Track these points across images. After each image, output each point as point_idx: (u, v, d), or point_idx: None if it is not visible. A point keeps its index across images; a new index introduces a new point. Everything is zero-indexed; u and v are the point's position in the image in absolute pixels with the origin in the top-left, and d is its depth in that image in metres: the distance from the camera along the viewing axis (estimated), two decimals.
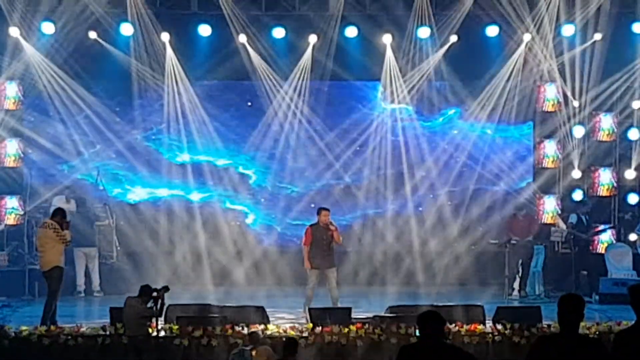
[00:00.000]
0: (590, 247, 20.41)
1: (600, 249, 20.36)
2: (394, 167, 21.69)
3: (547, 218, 21.13)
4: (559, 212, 21.04)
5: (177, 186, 21.61)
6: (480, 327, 14.57)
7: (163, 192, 21.63)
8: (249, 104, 21.67)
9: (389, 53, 20.87)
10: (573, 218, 20.37)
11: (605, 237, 20.76)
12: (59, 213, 16.06)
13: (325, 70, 20.97)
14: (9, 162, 20.87)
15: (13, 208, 20.63)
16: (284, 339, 13.32)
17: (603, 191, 21.26)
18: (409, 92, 21.22)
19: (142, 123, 21.54)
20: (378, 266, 20.99)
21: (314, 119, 21.62)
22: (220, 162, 21.73)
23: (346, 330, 14.31)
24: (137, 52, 20.63)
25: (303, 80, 21.12)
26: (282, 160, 21.79)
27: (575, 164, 21.31)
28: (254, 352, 12.69)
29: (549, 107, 21.34)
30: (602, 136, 21.34)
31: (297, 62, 20.95)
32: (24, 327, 14.52)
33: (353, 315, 15.02)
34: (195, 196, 21.65)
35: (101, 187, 20.66)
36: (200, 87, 21.42)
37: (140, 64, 20.73)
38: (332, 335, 14.07)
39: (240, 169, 21.82)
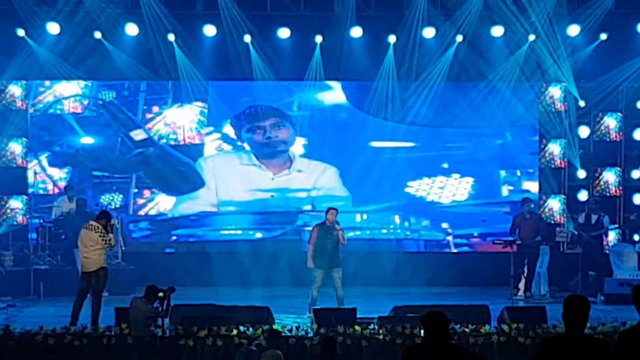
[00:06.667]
0: (602, 245, 20.43)
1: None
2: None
3: (553, 218, 21.20)
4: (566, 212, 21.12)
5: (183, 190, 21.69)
6: (486, 327, 14.57)
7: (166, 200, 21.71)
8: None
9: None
10: (581, 217, 20.35)
11: (611, 237, 20.84)
12: (105, 216, 15.92)
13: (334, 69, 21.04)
14: (15, 162, 20.92)
15: (22, 207, 20.70)
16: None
17: (610, 191, 21.28)
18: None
19: (148, 123, 21.58)
20: (383, 266, 20.97)
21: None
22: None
23: (351, 330, 14.32)
24: (142, 52, 20.65)
25: (313, 79, 21.16)
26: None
27: (580, 164, 21.30)
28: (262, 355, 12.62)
29: (554, 107, 21.34)
30: (608, 136, 21.34)
31: (302, 62, 20.95)
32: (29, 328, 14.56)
33: (358, 315, 15.03)
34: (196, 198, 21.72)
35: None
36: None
37: (145, 64, 20.74)
38: (337, 335, 14.07)
39: None
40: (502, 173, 21.79)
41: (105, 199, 21.32)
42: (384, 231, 21.78)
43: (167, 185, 21.57)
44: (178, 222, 21.61)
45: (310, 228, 18.29)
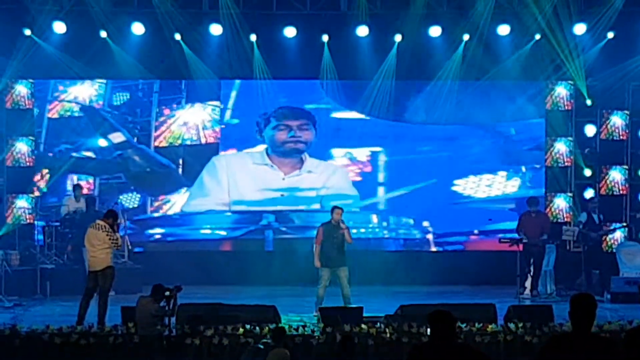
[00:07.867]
0: (603, 245, 20.47)
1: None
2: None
3: (560, 216, 21.22)
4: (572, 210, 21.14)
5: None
6: (492, 326, 14.55)
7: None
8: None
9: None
10: (583, 216, 20.33)
11: (618, 236, 20.84)
12: (111, 215, 15.94)
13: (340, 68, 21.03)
14: (22, 161, 20.96)
15: (28, 207, 20.74)
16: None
17: (618, 189, 21.30)
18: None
19: (163, 124, 21.62)
20: (390, 265, 20.96)
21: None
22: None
23: (358, 329, 14.31)
24: (151, 52, 20.66)
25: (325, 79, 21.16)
26: None
27: (587, 162, 21.28)
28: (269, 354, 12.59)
29: (561, 105, 21.33)
30: (615, 135, 21.33)
31: (308, 61, 20.95)
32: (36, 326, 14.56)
33: (364, 314, 15.02)
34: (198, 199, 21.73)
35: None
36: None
37: (156, 64, 20.76)
38: (343, 334, 14.05)
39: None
40: (508, 170, 21.76)
41: (123, 198, 21.36)
42: (385, 232, 21.85)
43: (147, 186, 21.66)
44: (177, 220, 21.69)
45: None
